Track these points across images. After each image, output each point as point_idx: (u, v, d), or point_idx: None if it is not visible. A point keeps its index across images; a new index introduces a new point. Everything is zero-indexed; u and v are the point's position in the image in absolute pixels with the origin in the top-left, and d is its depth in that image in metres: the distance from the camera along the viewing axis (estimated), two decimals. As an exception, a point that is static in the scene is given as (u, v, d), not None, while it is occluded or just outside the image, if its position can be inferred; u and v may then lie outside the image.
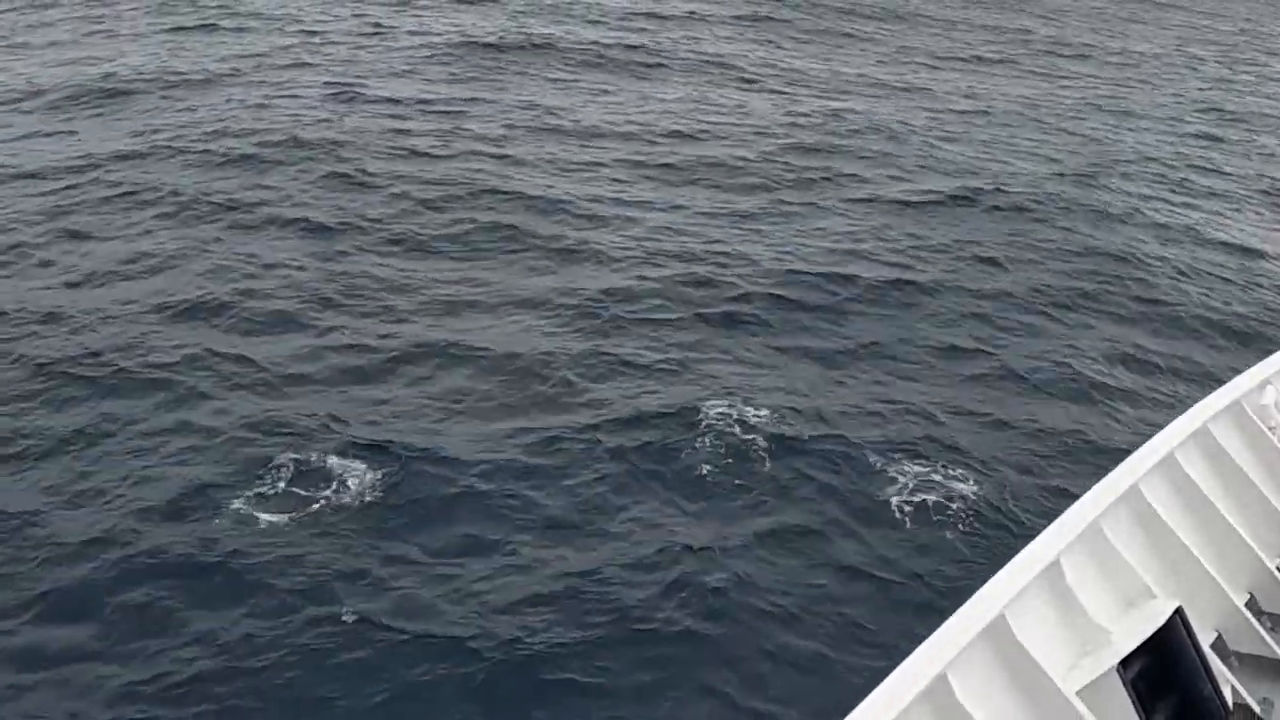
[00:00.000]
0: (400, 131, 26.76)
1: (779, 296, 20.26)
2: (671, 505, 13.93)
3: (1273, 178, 31.83)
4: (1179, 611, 5.84)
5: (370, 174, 23.48)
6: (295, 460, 13.94)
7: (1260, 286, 23.44)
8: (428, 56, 34.24)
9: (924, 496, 15.04)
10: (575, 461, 14.48)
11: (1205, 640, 6.24)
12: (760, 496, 14.46)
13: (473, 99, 30.39)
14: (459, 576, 12.30)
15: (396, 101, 29.33)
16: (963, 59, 43.63)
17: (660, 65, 36.86)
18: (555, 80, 33.39)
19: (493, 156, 25.61)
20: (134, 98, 27.45)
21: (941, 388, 18.00)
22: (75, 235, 19.88)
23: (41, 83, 28.42)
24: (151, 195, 21.50)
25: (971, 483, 15.58)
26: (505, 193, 23.28)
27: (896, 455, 15.81)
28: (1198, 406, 7.61)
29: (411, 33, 37.27)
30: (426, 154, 25.30)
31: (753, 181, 26.20)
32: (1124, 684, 5.52)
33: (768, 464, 15.11)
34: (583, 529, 13.33)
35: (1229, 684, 6.07)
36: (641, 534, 13.34)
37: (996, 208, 25.72)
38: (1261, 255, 25.30)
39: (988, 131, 32.66)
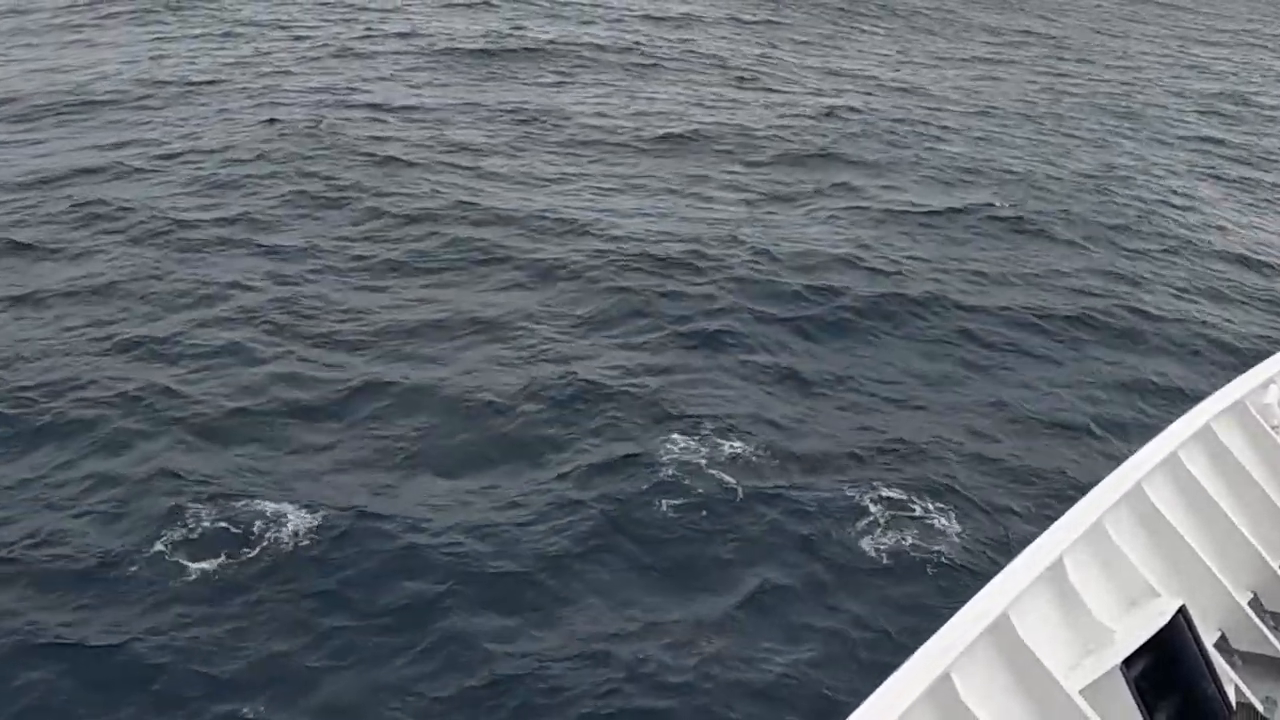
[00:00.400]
0: (379, 139, 25.28)
1: (761, 312, 18.79)
2: (635, 564, 12.45)
3: (1274, 184, 30.16)
4: (1182, 610, 5.71)
5: (342, 188, 21.99)
6: (223, 516, 12.56)
7: (1265, 300, 21.84)
8: (415, 63, 32.78)
9: (904, 539, 13.56)
10: (534, 515, 12.97)
11: (1208, 639, 6.12)
12: (729, 546, 12.98)
13: (458, 105, 28.91)
14: (393, 657, 10.85)
15: (379, 108, 27.87)
16: (963, 59, 41.93)
17: (654, 66, 35.30)
18: (544, 85, 31.88)
19: (471, 167, 24.15)
20: (106, 108, 26.05)
21: (926, 415, 16.54)
22: (20, 253, 18.49)
23: (13, 91, 26.99)
24: (107, 211, 20.11)
25: (954, 521, 14.15)
26: (482, 206, 21.79)
27: (875, 492, 14.33)
28: (1201, 405, 7.45)
29: (401, 35, 35.78)
30: (404, 165, 23.80)
31: (743, 190, 24.68)
32: (1127, 683, 5.39)
33: (738, 506, 13.63)
34: (537, 597, 11.84)
35: (1232, 683, 5.91)
36: (601, 602, 11.86)
37: (993, 218, 24.15)
38: (1267, 266, 23.67)
39: (986, 136, 31.03)
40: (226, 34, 33.48)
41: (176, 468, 13.38)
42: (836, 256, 21.26)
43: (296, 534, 12.51)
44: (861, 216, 23.71)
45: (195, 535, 12.33)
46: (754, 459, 14.64)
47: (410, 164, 23.83)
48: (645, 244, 20.53)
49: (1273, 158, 32.55)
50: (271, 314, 16.97)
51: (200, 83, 28.61)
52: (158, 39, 32.57)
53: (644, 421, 15.00)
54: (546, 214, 21.72)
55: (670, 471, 13.96)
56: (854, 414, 16.44)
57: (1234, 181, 29.67)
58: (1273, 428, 7.63)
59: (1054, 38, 48.13)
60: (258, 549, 12.22)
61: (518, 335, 16.90)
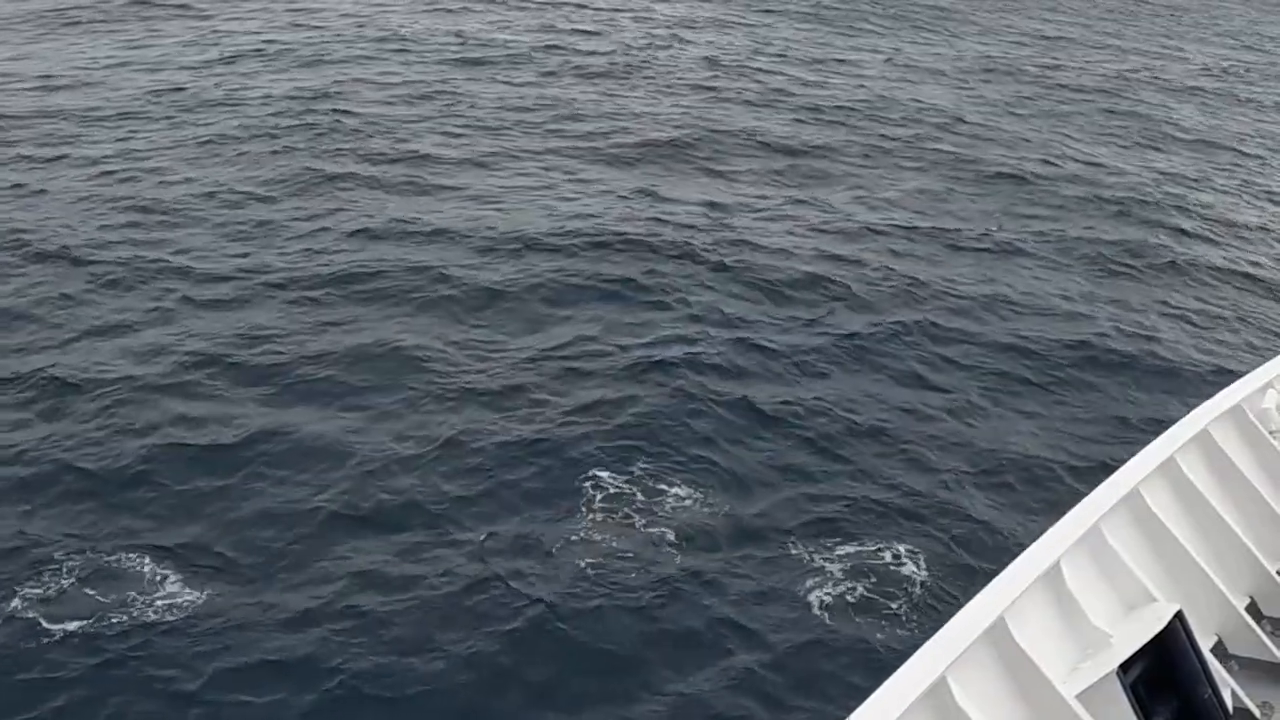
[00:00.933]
0: (337, 152, 23.47)
1: (719, 337, 16.98)
2: (560, 656, 10.68)
3: (1271, 190, 28.22)
4: (1179, 615, 5.57)
5: (284, 208, 20.13)
6: (90, 577, 10.96)
7: (1265, 318, 19.97)
8: (388, 69, 30.98)
9: (863, 609, 11.83)
10: (441, 598, 11.12)
11: (1205, 644, 5.98)
12: (668, 628, 11.17)
13: (427, 114, 27.04)
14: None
15: (345, 115, 26.03)
16: (955, 58, 39.99)
17: (634, 71, 33.43)
18: (521, 89, 30.07)
19: (429, 180, 22.34)
20: (51, 120, 24.28)
21: (898, 453, 14.78)
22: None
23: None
24: (25, 229, 18.35)
25: (921, 566, 12.55)
26: (431, 223, 19.97)
27: (832, 551, 12.62)
28: (1199, 410, 7.24)
29: (378, 40, 33.94)
30: (358, 180, 21.97)
31: (714, 203, 22.70)
32: (1124, 688, 5.27)
33: (677, 581, 11.80)
34: (440, 706, 10.02)
35: (1229, 688, 5.76)
36: (517, 711, 10.05)
37: (982, 235, 22.26)
38: (1267, 280, 21.77)
39: (976, 143, 29.11)
40: (192, 42, 31.69)
41: (49, 517, 11.79)
42: (809, 276, 19.46)
43: (170, 608, 10.85)
44: (838, 232, 21.83)
45: (53, 599, 10.78)
46: (700, 510, 12.92)
47: (364, 178, 22.07)
48: (599, 263, 18.74)
49: (1271, 162, 30.63)
50: (185, 344, 15.31)
51: (158, 91, 26.87)
52: (121, 47, 30.80)
53: (577, 472, 13.22)
54: (497, 229, 19.89)
55: (601, 535, 12.22)
56: (815, 451, 14.66)
57: (1233, 189, 27.75)
58: (1270, 432, 7.42)
59: (1049, 38, 46.16)
60: (122, 622, 10.62)
61: (445, 370, 15.12)
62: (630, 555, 11.97)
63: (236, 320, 16.00)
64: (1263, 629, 6.38)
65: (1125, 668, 5.34)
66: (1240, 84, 40.84)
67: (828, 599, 11.95)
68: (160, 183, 20.73)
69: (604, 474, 13.24)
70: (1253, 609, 6.59)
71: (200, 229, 18.88)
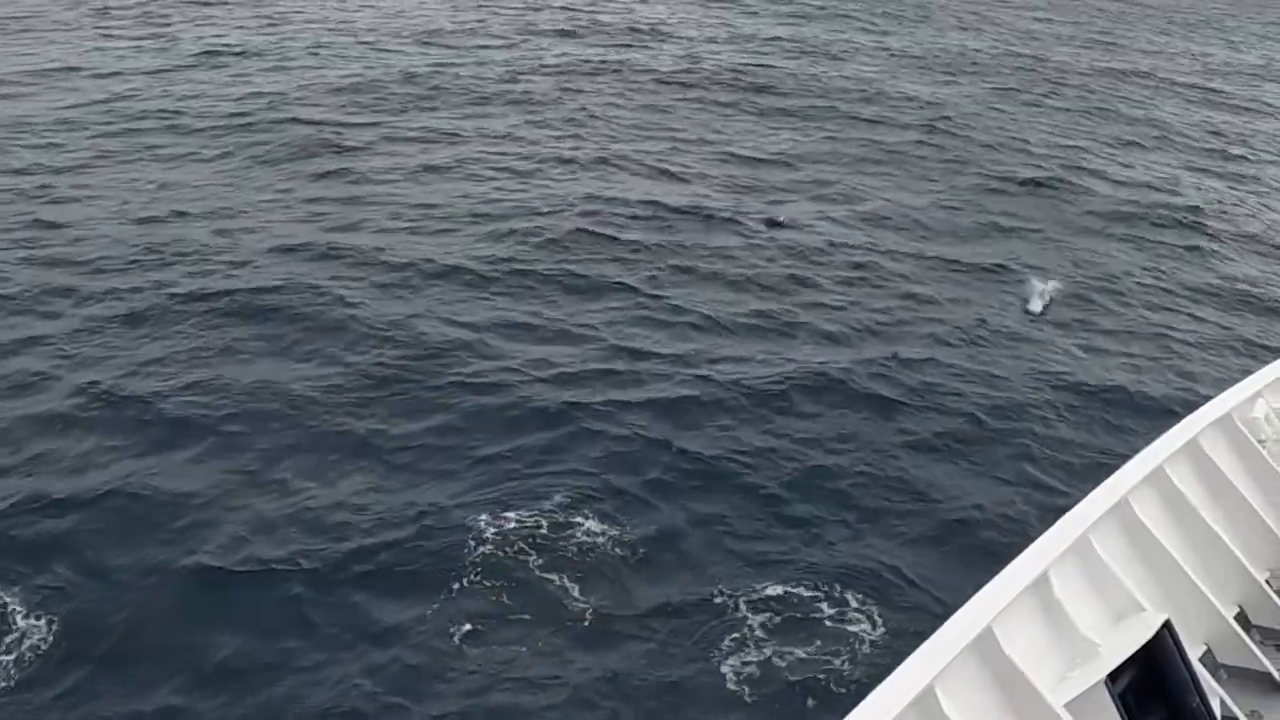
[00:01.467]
0: (269, 168, 21.69)
1: (661, 372, 15.15)
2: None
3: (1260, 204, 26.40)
4: (1168, 624, 5.44)
5: (201, 228, 18.42)
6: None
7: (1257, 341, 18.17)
8: (345, 69, 29.32)
9: (791, 663, 10.22)
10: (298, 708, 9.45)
11: (1194, 653, 5.82)
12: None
13: (377, 124, 25.27)
14: None
15: (295, 124, 24.46)
16: (940, 60, 38.17)
17: (604, 72, 31.77)
18: (478, 89, 28.46)
19: (362, 194, 20.55)
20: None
21: (845, 497, 13.00)
22: None
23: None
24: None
25: (872, 624, 10.80)
26: (350, 245, 18.04)
27: (763, 602, 11.00)
28: (1188, 419, 7.05)
29: (335, 49, 32.27)
30: (288, 199, 20.16)
31: (659, 219, 20.89)
32: (1112, 697, 5.14)
33: (581, 654, 10.13)
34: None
35: (1218, 697, 5.57)
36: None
37: (955, 252, 20.47)
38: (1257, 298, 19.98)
39: (960, 145, 27.35)
40: (145, 49, 30.00)
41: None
42: (757, 301, 17.56)
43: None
44: (797, 250, 19.95)
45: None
46: (617, 568, 11.29)
47: (293, 193, 20.36)
48: (526, 290, 16.94)
49: (1261, 165, 28.84)
50: (64, 372, 13.90)
51: (101, 100, 25.22)
52: (71, 52, 29.18)
53: (472, 530, 11.55)
54: (422, 250, 18.09)
55: (498, 609, 10.50)
56: (752, 497, 12.87)
57: (1225, 194, 25.97)
58: (1259, 442, 7.26)
59: (1039, 39, 44.36)
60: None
61: (336, 404, 13.43)
62: (532, 634, 10.29)
63: (123, 348, 14.46)
64: (1251, 638, 6.24)
65: (1114, 677, 5.25)
66: (1228, 85, 39.09)
67: (753, 672, 10.26)
68: (76, 197, 19.11)
69: (509, 528, 11.56)
70: (1241, 618, 6.46)
71: (107, 246, 17.23)
